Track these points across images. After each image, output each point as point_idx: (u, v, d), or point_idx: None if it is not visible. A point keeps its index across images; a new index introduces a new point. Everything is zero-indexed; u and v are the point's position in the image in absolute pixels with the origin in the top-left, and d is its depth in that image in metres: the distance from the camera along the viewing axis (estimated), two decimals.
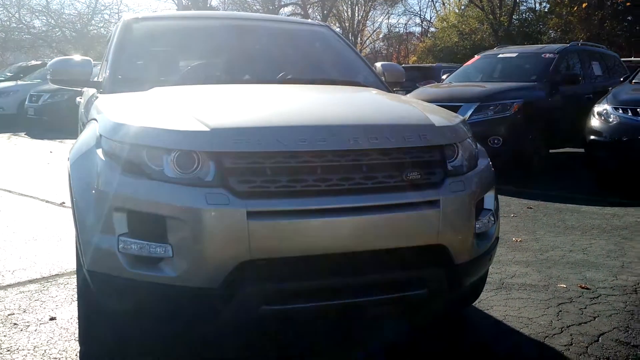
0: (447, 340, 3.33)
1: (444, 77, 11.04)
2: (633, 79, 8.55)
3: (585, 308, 3.71)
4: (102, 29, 32.17)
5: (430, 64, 19.72)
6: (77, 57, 3.77)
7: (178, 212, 2.42)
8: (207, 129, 2.53)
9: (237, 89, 3.41)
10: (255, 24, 4.33)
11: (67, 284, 4.17)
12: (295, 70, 3.90)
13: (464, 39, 34.72)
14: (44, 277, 4.32)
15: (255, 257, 2.41)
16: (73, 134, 14.99)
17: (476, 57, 10.67)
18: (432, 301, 2.79)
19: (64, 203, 6.95)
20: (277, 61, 3.96)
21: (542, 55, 9.66)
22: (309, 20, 4.65)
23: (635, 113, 7.37)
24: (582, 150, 8.47)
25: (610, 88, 10.03)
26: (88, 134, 2.95)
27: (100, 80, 3.69)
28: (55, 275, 4.38)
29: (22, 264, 4.63)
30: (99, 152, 2.69)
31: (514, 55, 10.02)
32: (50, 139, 14.22)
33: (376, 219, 2.52)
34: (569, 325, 3.45)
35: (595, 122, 7.83)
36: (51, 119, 15.82)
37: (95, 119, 3.02)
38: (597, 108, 7.88)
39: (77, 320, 3.40)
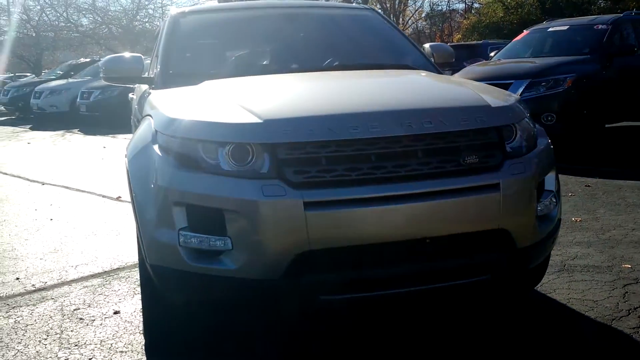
0: (511, 325, 3.27)
1: (492, 54, 10.79)
2: None
3: None
4: (147, 24, 32.67)
5: (476, 42, 19.30)
6: (128, 54, 3.82)
7: (235, 205, 2.43)
8: (260, 121, 2.52)
9: (286, 78, 3.39)
10: (301, 11, 4.29)
11: (129, 277, 4.26)
12: (343, 57, 3.86)
13: (510, 13, 33.82)
14: (105, 272, 4.43)
15: (314, 247, 2.40)
16: (125, 129, 15.10)
17: (525, 32, 10.39)
18: (495, 286, 2.73)
19: (120, 197, 7.10)
20: (325, 48, 3.93)
21: (595, 27, 9.33)
22: (354, 4, 4.57)
23: None
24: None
25: None
26: (144, 130, 2.98)
27: (151, 76, 3.73)
28: (117, 269, 4.48)
29: (84, 258, 4.75)
30: (155, 147, 2.72)
31: (565, 28, 9.71)
32: (102, 135, 14.55)
33: (434, 205, 2.47)
34: (636, 307, 3.34)
35: None
36: (103, 114, 16.17)
37: (149, 115, 3.05)
38: None
39: (141, 313, 3.48)
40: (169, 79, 3.52)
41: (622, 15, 9.77)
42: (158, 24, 32.12)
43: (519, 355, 2.93)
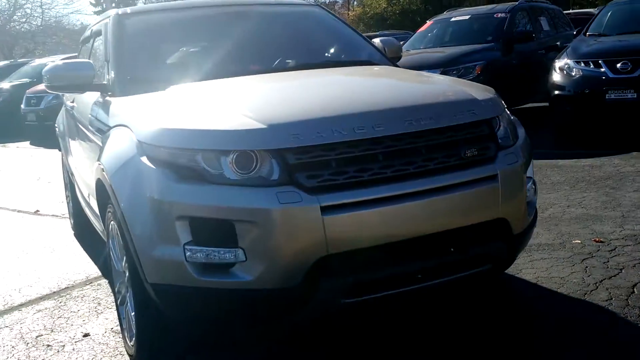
0: (495, 308, 3.37)
1: None
2: (587, 31, 8.78)
3: (608, 261, 3.83)
4: (25, 25, 30.45)
5: (373, 33, 19.71)
6: (75, 60, 3.57)
7: (248, 215, 2.34)
8: (264, 126, 2.44)
9: (264, 80, 3.29)
10: (250, 9, 4.16)
11: (84, 296, 4.01)
12: (308, 55, 3.82)
13: (393, 4, 34.89)
14: (54, 292, 4.14)
15: (332, 251, 2.37)
16: (15, 137, 14.06)
17: (428, 22, 10.73)
18: (492, 274, 2.81)
19: (38, 211, 6.66)
20: (285, 47, 3.84)
21: (495, 15, 9.80)
22: (298, 1, 4.52)
23: (597, 65, 7.59)
24: (541, 105, 8.64)
25: (557, 43, 10.34)
26: (121, 142, 2.80)
27: (104, 82, 3.50)
28: (66, 288, 4.20)
29: (25, 280, 4.41)
30: (144, 160, 2.56)
31: (467, 17, 10.12)
32: None
33: (443, 200, 2.51)
34: (601, 280, 3.55)
35: (557, 77, 8.03)
36: None
37: (124, 125, 2.87)
38: (558, 63, 8.07)
39: (114, 334, 3.30)
40: (129, 85, 3.33)
41: (517, 3, 10.31)
42: (37, 23, 30.13)
43: (515, 337, 3.04)
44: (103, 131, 3.17)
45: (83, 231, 5.39)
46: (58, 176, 8.66)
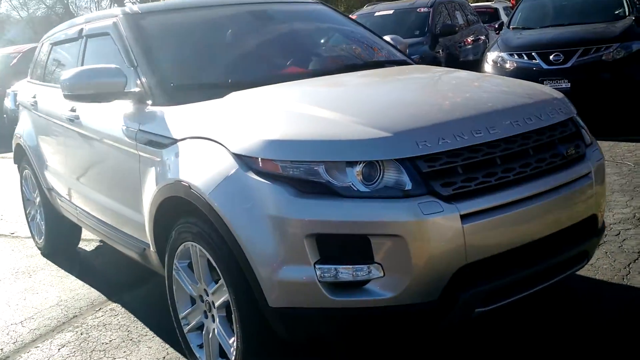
0: (551, 301, 3.46)
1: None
2: (509, 25, 9.24)
3: (622, 246, 3.97)
4: None
5: None
6: (99, 66, 3.20)
7: (390, 229, 2.24)
8: (389, 134, 2.35)
9: (335, 83, 3.14)
10: (265, 8, 3.93)
11: (105, 324, 3.67)
12: (349, 56, 3.71)
13: None
14: (65, 323, 3.76)
15: (470, 260, 2.33)
16: None
17: (352, 17, 10.79)
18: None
19: (14, 233, 5.98)
20: (323, 48, 3.71)
21: (418, 10, 10.06)
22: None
23: (530, 57, 8.00)
24: None
25: (472, 35, 10.80)
26: (209, 155, 2.57)
27: (136, 90, 3.17)
28: (76, 317, 3.83)
29: (21, 312, 3.98)
30: (252, 175, 2.38)
31: (391, 12, 10.31)
32: None
33: (560, 199, 2.55)
34: (628, 264, 3.69)
35: (489, 68, 8.37)
36: None
37: (203, 137, 2.64)
38: (491, 55, 8.42)
39: None
40: (174, 92, 3.07)
41: None
42: None
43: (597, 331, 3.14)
44: (162, 144, 2.88)
45: (55, 252, 4.95)
46: None
